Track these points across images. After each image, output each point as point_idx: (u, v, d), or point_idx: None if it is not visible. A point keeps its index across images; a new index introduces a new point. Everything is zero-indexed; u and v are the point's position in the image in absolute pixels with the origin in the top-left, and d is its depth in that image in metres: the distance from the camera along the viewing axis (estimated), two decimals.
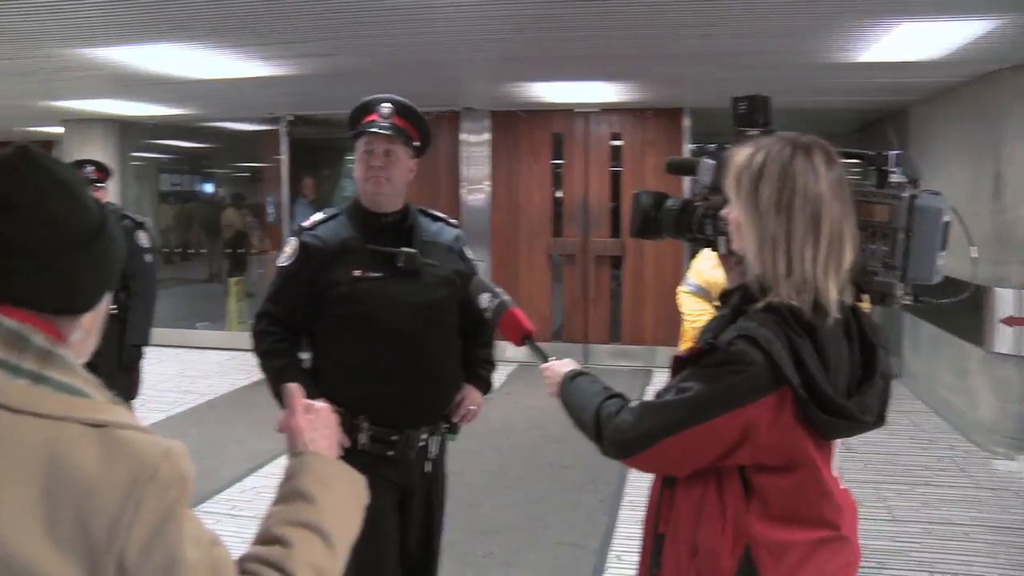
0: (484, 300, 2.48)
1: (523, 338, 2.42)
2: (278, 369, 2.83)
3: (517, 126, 9.20)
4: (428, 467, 2.91)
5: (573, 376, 2.11)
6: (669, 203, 2.10)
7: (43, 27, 5.02)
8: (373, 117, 2.78)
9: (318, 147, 11.71)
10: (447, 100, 8.77)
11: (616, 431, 1.82)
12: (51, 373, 1.08)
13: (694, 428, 1.68)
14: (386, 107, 2.77)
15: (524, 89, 7.80)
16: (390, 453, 2.78)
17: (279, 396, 2.83)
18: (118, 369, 4.91)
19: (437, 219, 3.01)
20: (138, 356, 5.01)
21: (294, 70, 6.53)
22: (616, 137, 9.19)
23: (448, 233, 2.98)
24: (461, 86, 7.97)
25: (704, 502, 1.75)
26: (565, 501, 5.15)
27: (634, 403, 1.86)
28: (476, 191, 9.30)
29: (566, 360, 2.21)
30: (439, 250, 2.89)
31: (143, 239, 5.06)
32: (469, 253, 3.03)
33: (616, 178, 9.19)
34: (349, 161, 14.67)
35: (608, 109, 8.98)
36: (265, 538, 1.23)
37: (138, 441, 1.09)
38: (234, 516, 4.81)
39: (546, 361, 2.25)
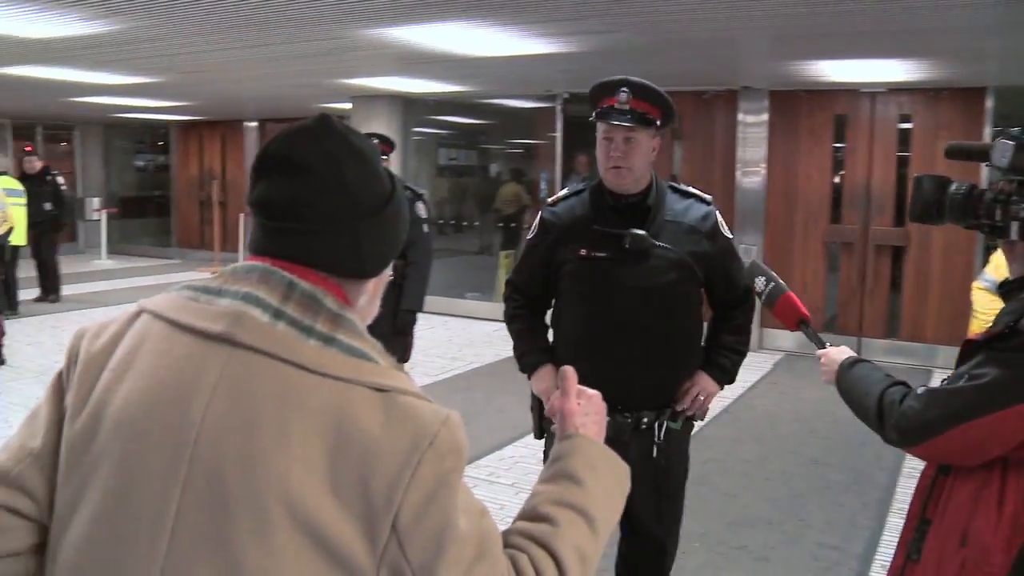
0: (759, 284, 2.44)
1: (798, 323, 2.36)
2: (516, 332, 2.99)
3: (797, 107, 8.80)
4: (655, 452, 2.82)
5: (852, 363, 2.05)
6: (953, 188, 1.97)
7: (339, 10, 5.33)
8: (611, 102, 2.70)
9: (593, 125, 11.77)
10: (725, 79, 8.55)
11: (901, 418, 1.75)
12: (340, 336, 1.12)
13: (988, 416, 1.60)
14: (623, 93, 2.68)
15: (806, 68, 7.43)
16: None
17: (518, 357, 2.96)
18: (392, 333, 5.16)
19: (688, 196, 2.88)
20: (412, 321, 5.24)
21: (571, 47, 6.56)
22: (905, 119, 8.56)
23: (696, 212, 2.83)
24: (740, 64, 7.71)
25: (982, 492, 1.68)
26: (827, 500, 4.89)
27: (921, 389, 1.79)
28: (751, 174, 8.99)
29: (842, 347, 2.16)
30: (678, 231, 2.77)
31: (421, 210, 5.27)
32: (725, 230, 2.87)
33: (903, 163, 8.59)
34: None
35: (897, 89, 8.39)
36: (531, 515, 1.23)
37: (419, 408, 1.10)
38: (491, 483, 4.94)
39: (823, 347, 2.20)
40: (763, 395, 7.12)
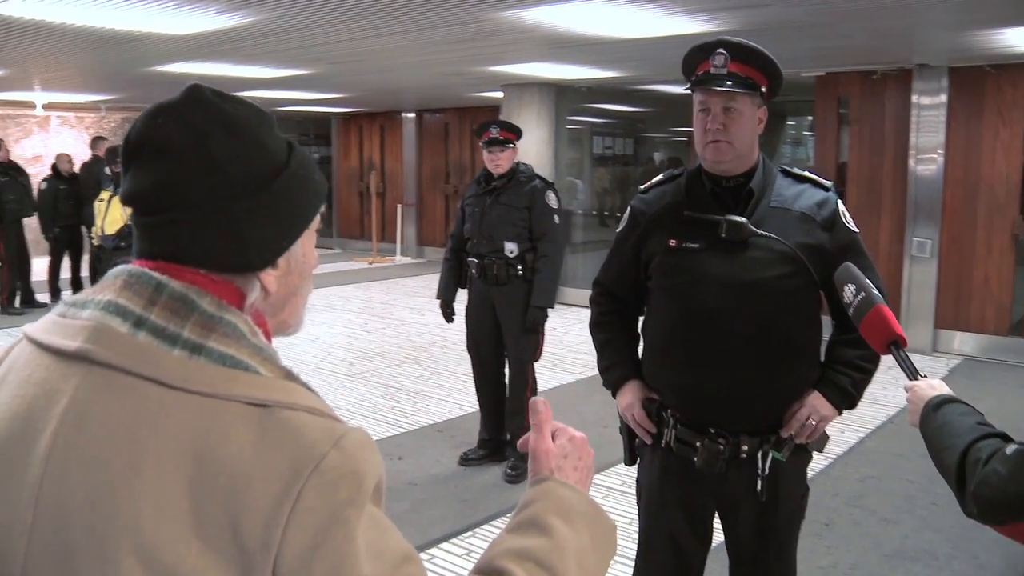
0: (848, 293, 2.03)
1: (889, 344, 1.90)
2: (600, 342, 2.65)
3: (982, 84, 7.95)
4: (758, 486, 2.39)
5: (939, 403, 1.61)
6: None
7: None
8: (707, 67, 2.30)
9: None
10: (897, 56, 7.82)
11: (982, 486, 1.35)
12: (212, 343, 0.94)
13: None
14: (720, 55, 2.28)
15: (992, 38, 6.63)
16: (695, 459, 2.36)
17: (602, 371, 2.63)
18: (521, 331, 4.89)
19: (803, 180, 2.44)
20: (542, 318, 4.94)
21: (724, 25, 6.11)
22: None
23: (809, 198, 2.39)
24: (914, 37, 6.97)
25: None
26: None
27: (1012, 447, 1.36)
28: (926, 161, 8.21)
29: (935, 382, 1.72)
30: (787, 219, 2.34)
31: (552, 200, 4.96)
32: (848, 221, 2.41)
33: None
34: (791, 127, 13.98)
35: None
36: (486, 568, 1.02)
37: (305, 425, 0.92)
38: (623, 493, 4.60)
39: (914, 379, 1.77)
40: None
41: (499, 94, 10.76)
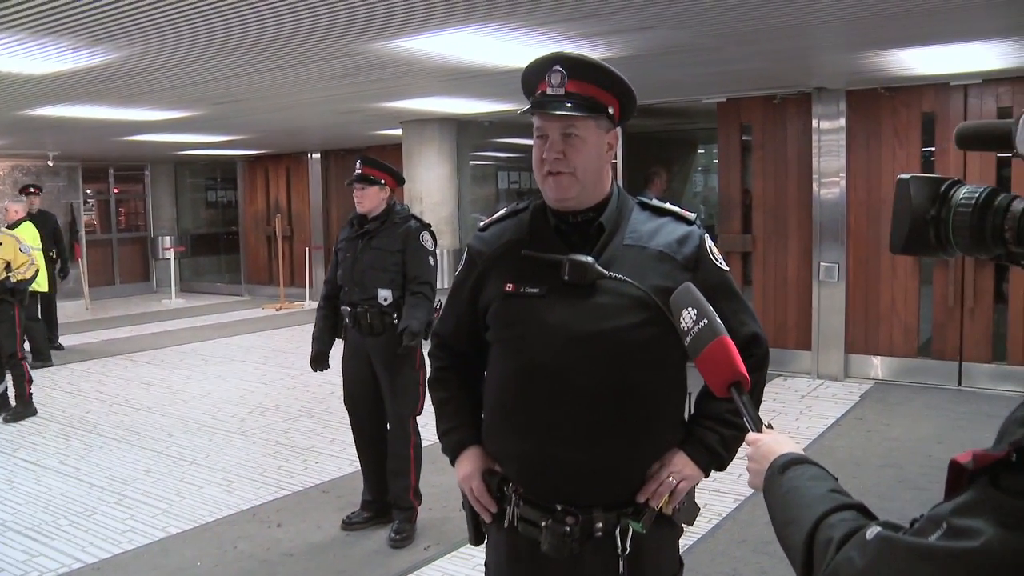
0: (686, 319, 1.70)
1: (729, 386, 1.60)
2: (437, 403, 2.30)
3: (878, 106, 7.87)
4: (620, 569, 2.04)
5: (786, 465, 1.32)
6: (962, 195, 1.23)
7: (342, 21, 4.80)
8: (544, 87, 1.98)
9: (659, 139, 11.05)
10: (796, 79, 7.72)
11: None
12: None
13: None
14: (556, 72, 1.95)
15: (886, 59, 6.53)
16: (539, 541, 2.02)
17: (440, 436, 2.27)
18: (399, 377, 4.54)
19: (663, 213, 2.12)
20: (418, 343, 4.53)
21: (613, 51, 5.85)
22: (1005, 114, 7.52)
23: (669, 233, 2.07)
24: (810, 60, 6.82)
25: None
26: None
27: (873, 532, 1.07)
28: (829, 185, 8.09)
29: (780, 437, 1.42)
30: (643, 259, 2.02)
31: (427, 242, 4.63)
32: (717, 259, 2.11)
33: (1004, 164, 7.52)
34: (703, 156, 13.89)
35: (993, 79, 7.36)
36: None
37: None
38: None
39: (757, 430, 1.48)
40: (846, 434, 6.22)
41: (398, 131, 10.44)
